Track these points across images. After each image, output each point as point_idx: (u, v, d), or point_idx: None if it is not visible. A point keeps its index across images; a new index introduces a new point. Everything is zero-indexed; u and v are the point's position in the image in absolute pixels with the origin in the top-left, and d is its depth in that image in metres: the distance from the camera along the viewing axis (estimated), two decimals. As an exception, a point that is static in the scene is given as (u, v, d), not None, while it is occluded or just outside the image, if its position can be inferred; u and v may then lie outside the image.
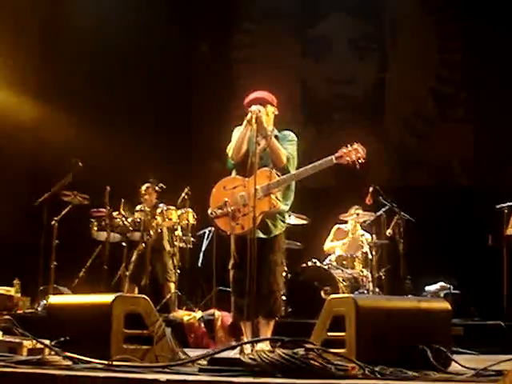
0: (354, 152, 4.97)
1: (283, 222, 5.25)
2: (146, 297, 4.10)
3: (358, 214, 8.45)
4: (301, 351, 3.23)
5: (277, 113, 5.33)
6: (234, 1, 11.00)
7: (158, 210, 8.03)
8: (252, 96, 5.28)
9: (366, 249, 8.27)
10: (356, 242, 8.55)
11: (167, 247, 8.31)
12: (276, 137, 5.23)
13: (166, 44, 10.49)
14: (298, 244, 8.42)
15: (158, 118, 10.36)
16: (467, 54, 10.55)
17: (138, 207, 8.36)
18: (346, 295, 3.98)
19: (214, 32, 11.05)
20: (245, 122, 5.12)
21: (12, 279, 7.83)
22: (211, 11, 11.12)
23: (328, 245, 8.78)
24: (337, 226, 8.84)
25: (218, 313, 7.05)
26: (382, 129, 10.75)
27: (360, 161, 5.00)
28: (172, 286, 8.12)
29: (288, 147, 5.22)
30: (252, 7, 11.13)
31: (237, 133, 5.28)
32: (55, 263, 7.88)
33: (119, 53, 10.21)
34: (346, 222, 8.77)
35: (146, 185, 8.35)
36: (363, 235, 8.50)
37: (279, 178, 5.05)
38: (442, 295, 8.08)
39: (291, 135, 5.35)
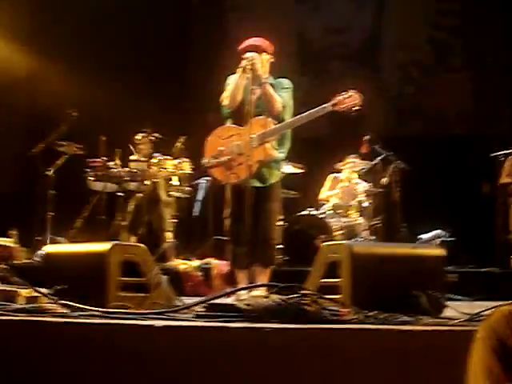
0: (349, 99, 4.94)
1: (279, 170, 5.24)
2: (143, 245, 4.12)
3: (353, 163, 8.44)
4: (295, 297, 3.26)
5: (272, 60, 5.27)
6: None
7: (154, 160, 7.99)
8: (247, 43, 5.20)
9: (362, 197, 8.28)
10: (351, 190, 8.56)
11: (163, 197, 8.30)
12: (271, 84, 5.17)
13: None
14: (294, 193, 8.43)
15: (153, 68, 10.25)
16: (466, 2, 10.42)
17: (132, 157, 8.32)
18: (340, 242, 4.00)
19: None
20: (239, 70, 5.06)
21: (8, 230, 7.85)
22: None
23: (324, 194, 8.79)
24: (332, 175, 8.83)
25: (214, 261, 7.09)
26: (379, 77, 10.68)
27: (356, 108, 4.97)
28: (169, 235, 8.13)
29: (283, 95, 5.17)
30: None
31: (231, 81, 5.22)
32: (51, 213, 7.89)
33: (113, 2, 10.06)
34: (341, 171, 8.76)
35: (141, 134, 8.30)
36: (358, 183, 8.50)
37: (274, 127, 5.02)
38: (436, 242, 8.14)
39: (286, 82, 5.30)
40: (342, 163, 8.58)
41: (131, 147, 8.17)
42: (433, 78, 10.63)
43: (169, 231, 8.12)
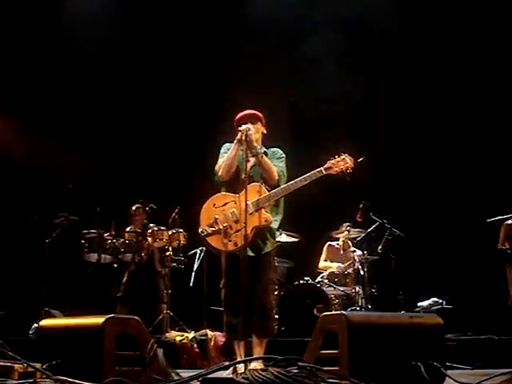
0: (342, 162, 5.00)
1: (274, 239, 5.25)
2: (138, 318, 4.08)
3: (348, 231, 8.46)
4: (294, 370, 3.22)
5: (265, 132, 5.36)
6: (223, 21, 11.03)
7: (149, 231, 8.01)
8: (242, 114, 5.32)
9: (358, 265, 8.27)
10: (348, 258, 8.55)
11: (158, 268, 8.28)
12: (265, 153, 5.25)
13: (155, 65, 10.52)
14: (289, 262, 8.42)
15: (146, 139, 10.35)
16: (453, 70, 10.63)
17: (128, 228, 8.34)
18: (337, 312, 3.96)
19: (205, 50, 11.07)
20: (235, 141, 5.13)
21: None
22: (199, 31, 11.15)
23: (322, 264, 8.76)
24: (328, 243, 8.84)
25: (210, 333, 7.02)
26: (372, 146, 10.78)
27: (349, 171, 5.02)
28: (164, 306, 8.08)
29: (278, 164, 5.24)
30: (240, 26, 11.17)
31: (225, 150, 5.30)
32: (46, 286, 7.83)
33: (108, 72, 10.23)
34: (337, 239, 8.77)
35: (136, 205, 8.34)
36: (354, 251, 8.50)
37: (270, 192, 5.06)
38: (434, 310, 8.08)
39: (280, 152, 5.38)
40: (337, 231, 8.60)
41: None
42: (424, 144, 10.72)
43: (164, 302, 8.06)
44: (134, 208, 8.37)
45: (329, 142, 10.74)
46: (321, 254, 8.89)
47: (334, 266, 8.58)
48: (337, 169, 5.00)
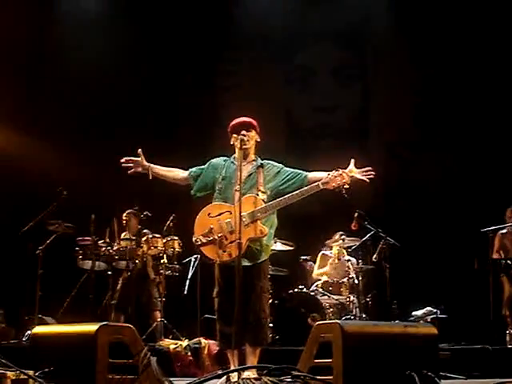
0: (339, 178, 4.98)
1: (268, 248, 5.24)
2: (131, 326, 4.06)
3: (342, 240, 8.46)
4: (288, 379, 3.21)
5: (259, 140, 5.35)
6: (219, 29, 11.06)
7: (144, 238, 8.00)
8: (236, 121, 5.31)
9: (352, 274, 8.27)
10: (342, 267, 8.55)
11: (152, 275, 8.27)
12: (261, 166, 5.24)
13: (150, 74, 10.53)
14: (285, 270, 8.41)
15: (142, 146, 10.33)
16: (446, 82, 10.68)
17: (122, 235, 8.33)
18: (332, 321, 3.95)
19: (198, 59, 11.09)
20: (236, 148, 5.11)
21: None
22: (196, 38, 11.17)
23: (316, 271, 8.77)
24: (322, 252, 8.84)
25: (204, 341, 7.00)
26: (367, 155, 10.78)
27: (346, 186, 5.01)
28: (158, 314, 8.06)
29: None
30: (236, 35, 11.20)
31: (211, 167, 5.31)
32: (40, 293, 7.80)
33: (102, 84, 10.24)
34: (330, 248, 8.77)
35: (127, 211, 8.34)
36: (349, 261, 8.50)
37: (266, 205, 5.05)
38: (428, 320, 8.08)
39: (279, 166, 5.34)
40: (331, 240, 8.60)
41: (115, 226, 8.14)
42: (419, 155, 10.77)
43: (158, 310, 8.05)
44: (124, 215, 8.36)
45: (323, 152, 10.77)
46: (315, 262, 8.89)
47: (329, 271, 8.57)
48: (334, 184, 5.00)
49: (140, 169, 5.35)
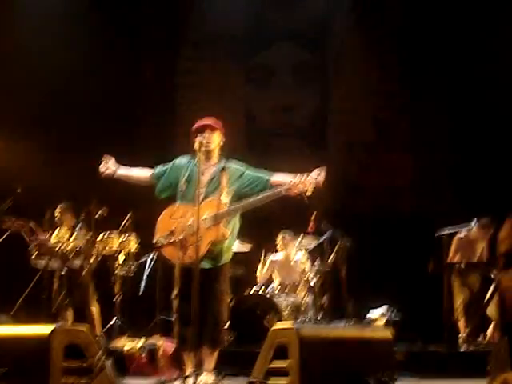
0: (301, 185, 4.98)
1: (229, 251, 5.23)
2: (86, 328, 4.02)
3: (284, 237, 8.50)
4: None
5: (222, 142, 5.33)
6: (178, 26, 10.99)
7: (99, 238, 7.89)
8: (200, 122, 5.27)
9: (306, 267, 8.21)
10: (293, 267, 8.53)
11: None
12: (223, 169, 5.21)
13: (110, 69, 10.40)
14: (241, 271, 8.36)
15: (100, 142, 10.21)
16: (405, 84, 10.80)
17: (56, 231, 8.17)
18: (288, 326, 3.96)
19: (158, 57, 11.02)
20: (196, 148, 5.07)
21: None
22: (155, 36, 11.10)
23: (262, 275, 8.68)
24: (270, 258, 8.75)
25: (160, 342, 6.95)
26: (325, 156, 10.85)
27: (307, 193, 5.01)
28: (94, 310, 7.97)
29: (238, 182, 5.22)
30: (196, 33, 11.16)
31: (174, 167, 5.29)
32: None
33: (61, 78, 10.07)
34: (277, 251, 8.75)
35: (60, 205, 8.20)
36: (297, 260, 8.47)
37: (228, 209, 5.03)
38: (383, 321, 8.14)
39: (241, 168, 5.32)
40: (277, 242, 8.61)
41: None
42: (377, 156, 10.88)
43: (94, 306, 7.97)
44: (58, 209, 8.20)
45: (283, 151, 10.80)
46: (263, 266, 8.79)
47: (282, 274, 8.55)
48: (295, 191, 5.00)
49: (110, 171, 5.26)
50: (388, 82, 10.96)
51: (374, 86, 11.03)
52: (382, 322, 8.10)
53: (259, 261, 8.79)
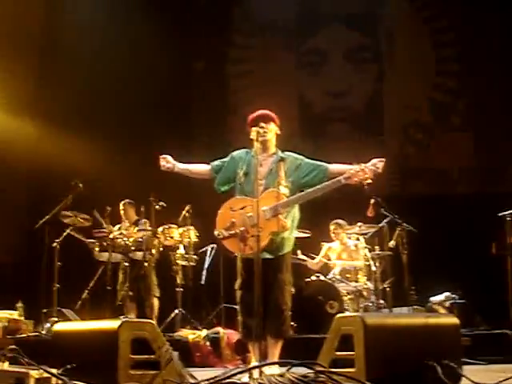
0: (361, 173, 4.94)
1: (290, 241, 5.24)
2: (153, 321, 4.07)
3: (337, 226, 8.44)
4: (311, 374, 3.21)
5: (279, 132, 5.33)
6: (228, 16, 11.01)
7: (160, 229, 8.00)
8: (255, 114, 5.29)
9: (366, 252, 8.14)
10: (352, 253, 8.47)
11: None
12: (281, 159, 5.22)
13: (161, 63, 10.48)
14: (302, 257, 8.35)
15: (156, 136, 10.33)
16: (464, 63, 10.59)
17: (116, 227, 8.34)
18: (353, 314, 3.93)
19: (209, 47, 11.05)
20: (253, 139, 5.07)
21: (15, 302, 7.80)
22: (205, 26, 11.13)
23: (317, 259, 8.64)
24: (327, 245, 8.70)
25: (223, 331, 7.02)
26: (381, 140, 10.74)
27: (368, 181, 4.98)
28: (156, 301, 8.08)
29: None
30: (246, 21, 11.16)
31: (232, 160, 5.30)
32: (58, 285, 7.83)
33: (116, 73, 10.21)
34: (333, 240, 8.70)
35: (123, 201, 8.39)
36: (357, 246, 8.40)
37: (287, 199, 5.04)
38: (447, 305, 8.04)
39: (298, 158, 5.31)
40: (331, 229, 8.56)
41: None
42: (434, 138, 10.72)
43: (156, 297, 8.07)
44: (121, 205, 8.41)
45: (337, 137, 10.74)
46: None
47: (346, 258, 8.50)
48: (356, 179, 4.97)
49: (170, 165, 5.33)
50: (444, 62, 10.76)
51: (430, 66, 10.85)
52: (446, 305, 8.01)
53: (314, 249, 8.75)
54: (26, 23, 10.05)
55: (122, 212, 8.45)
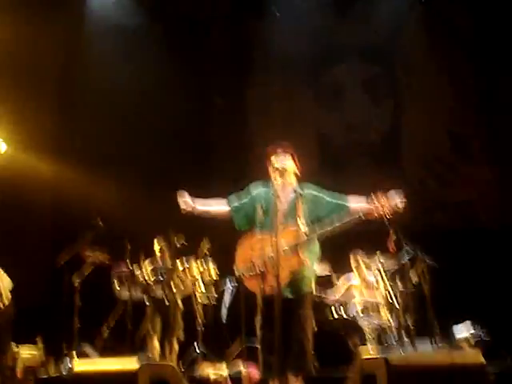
0: (381, 208, 4.92)
1: (311, 279, 5.21)
2: (173, 364, 4.05)
3: (356, 258, 8.34)
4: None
5: (297, 165, 5.34)
6: (247, 53, 11.08)
7: (180, 268, 7.97)
8: (274, 146, 5.33)
9: (388, 287, 8.02)
10: (373, 288, 8.36)
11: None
12: (300, 195, 5.21)
13: (181, 100, 10.55)
14: (323, 295, 8.25)
15: (175, 172, 10.36)
16: (482, 94, 10.55)
17: (147, 261, 8.31)
18: (376, 356, 3.87)
19: (228, 85, 11.12)
20: (272, 171, 5.07)
21: (36, 340, 7.78)
22: (223, 64, 11.21)
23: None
24: (348, 283, 8.59)
25: (244, 369, 6.94)
26: (401, 173, 10.68)
27: (387, 216, 4.95)
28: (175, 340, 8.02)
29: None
30: (264, 58, 11.21)
31: (251, 199, 5.29)
32: (78, 324, 7.79)
33: (135, 111, 10.30)
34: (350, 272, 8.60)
35: (160, 245, 8.35)
36: (378, 281, 8.29)
37: (307, 238, 5.05)
38: (472, 343, 7.90)
39: (316, 190, 5.31)
40: (351, 262, 8.47)
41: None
42: (455, 171, 10.63)
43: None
44: (157, 249, 8.38)
45: (357, 170, 10.69)
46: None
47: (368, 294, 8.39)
48: (376, 214, 4.96)
49: (190, 208, 5.35)
50: (462, 95, 10.72)
51: (447, 98, 10.81)
52: (471, 342, 7.87)
53: (332, 282, 8.65)
54: (46, 61, 10.20)
55: (159, 255, 8.40)
